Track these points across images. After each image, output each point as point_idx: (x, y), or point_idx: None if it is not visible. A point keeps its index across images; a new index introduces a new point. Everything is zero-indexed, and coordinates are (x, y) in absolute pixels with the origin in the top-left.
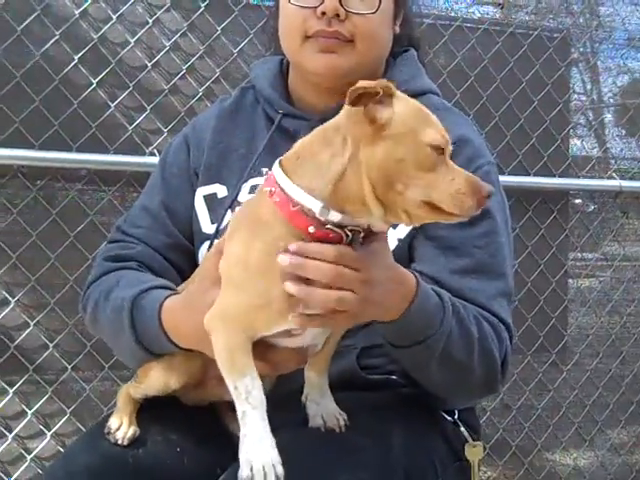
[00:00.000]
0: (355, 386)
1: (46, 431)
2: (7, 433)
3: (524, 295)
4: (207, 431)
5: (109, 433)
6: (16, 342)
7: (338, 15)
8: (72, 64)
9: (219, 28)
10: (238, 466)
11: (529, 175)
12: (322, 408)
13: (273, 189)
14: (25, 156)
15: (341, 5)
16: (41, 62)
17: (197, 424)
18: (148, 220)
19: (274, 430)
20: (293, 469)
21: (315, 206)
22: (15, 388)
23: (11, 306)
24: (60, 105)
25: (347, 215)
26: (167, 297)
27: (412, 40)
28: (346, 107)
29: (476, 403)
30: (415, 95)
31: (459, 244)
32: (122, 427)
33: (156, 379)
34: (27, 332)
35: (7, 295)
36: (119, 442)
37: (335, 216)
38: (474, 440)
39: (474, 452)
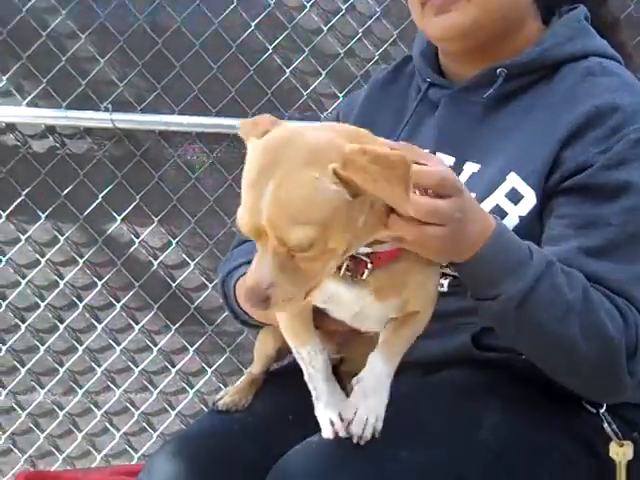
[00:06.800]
0: (469, 365)
1: (223, 387)
2: (189, 389)
3: None
4: None
5: (214, 403)
6: (195, 303)
7: None
8: (249, 30)
9: None
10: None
11: None
12: (365, 407)
13: None
14: (202, 123)
15: None
16: (219, 29)
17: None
18: None
19: None
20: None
21: None
22: (195, 347)
23: (190, 269)
24: (236, 71)
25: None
26: (242, 275)
27: None
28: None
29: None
30: (573, 59)
31: (592, 222)
32: (225, 396)
33: (256, 352)
34: (205, 294)
35: (187, 258)
36: (219, 408)
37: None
38: (626, 438)
39: (621, 452)
